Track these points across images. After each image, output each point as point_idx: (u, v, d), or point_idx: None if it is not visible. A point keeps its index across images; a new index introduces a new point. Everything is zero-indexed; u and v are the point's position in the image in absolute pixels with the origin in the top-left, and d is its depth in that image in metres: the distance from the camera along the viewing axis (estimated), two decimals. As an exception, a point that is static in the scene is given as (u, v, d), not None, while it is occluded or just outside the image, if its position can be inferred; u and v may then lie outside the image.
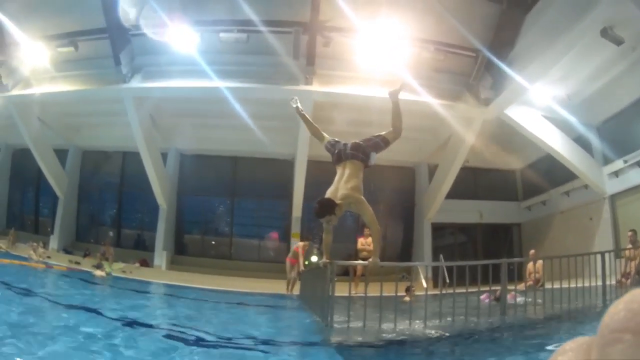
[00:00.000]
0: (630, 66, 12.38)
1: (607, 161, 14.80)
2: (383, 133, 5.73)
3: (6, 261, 13.92)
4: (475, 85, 14.49)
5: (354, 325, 6.18)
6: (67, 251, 18.57)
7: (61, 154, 19.37)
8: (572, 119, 14.56)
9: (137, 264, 17.38)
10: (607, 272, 7.94)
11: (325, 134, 5.91)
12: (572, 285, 7.44)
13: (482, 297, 7.67)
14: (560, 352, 0.52)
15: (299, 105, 6.09)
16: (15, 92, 16.03)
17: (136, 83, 14.84)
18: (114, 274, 14.67)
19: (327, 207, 5.07)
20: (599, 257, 8.00)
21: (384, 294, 6.39)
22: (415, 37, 13.66)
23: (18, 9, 14.22)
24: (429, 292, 9.99)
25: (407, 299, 9.01)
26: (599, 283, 7.81)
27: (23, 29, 14.57)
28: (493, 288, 7.30)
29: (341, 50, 13.89)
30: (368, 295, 6.64)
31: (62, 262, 16.01)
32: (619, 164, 14.17)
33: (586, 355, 0.49)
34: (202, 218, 20.36)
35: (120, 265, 16.41)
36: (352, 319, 6.26)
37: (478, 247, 19.43)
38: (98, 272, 13.85)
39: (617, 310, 0.46)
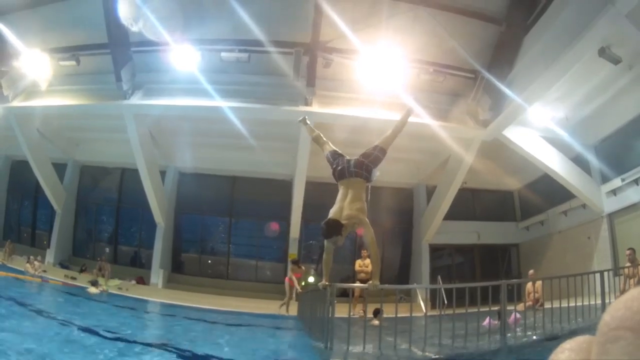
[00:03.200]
0: (627, 85, 12.49)
1: (605, 180, 14.83)
2: (379, 143, 5.76)
3: (2, 274, 13.87)
4: (474, 107, 14.58)
5: (355, 349, 6.13)
6: (63, 266, 18.48)
7: (60, 168, 19.33)
8: (570, 139, 14.64)
9: (134, 281, 17.29)
10: (607, 290, 7.94)
11: (328, 144, 5.96)
12: (572, 304, 7.43)
13: (484, 323, 7.62)
14: (559, 351, 0.52)
15: (309, 123, 6.43)
16: (16, 103, 16.06)
17: (137, 100, 14.88)
18: (110, 290, 14.57)
19: (334, 227, 5.08)
20: (598, 276, 8.01)
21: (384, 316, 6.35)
22: (415, 59, 13.79)
23: (21, 20, 14.38)
24: (428, 314, 9.89)
25: (375, 322, 8.92)
26: (599, 301, 7.81)
27: (26, 40, 14.69)
28: (493, 309, 7.26)
29: (341, 71, 14.05)
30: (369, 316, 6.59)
31: (58, 276, 15.96)
32: (616, 182, 14.21)
33: (586, 353, 0.50)
34: (199, 237, 20.27)
35: (117, 282, 16.34)
36: (352, 341, 6.21)
37: (476, 268, 19.37)
38: (92, 289, 13.73)
39: (617, 308, 0.47)
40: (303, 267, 13.76)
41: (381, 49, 13.19)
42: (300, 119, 6.62)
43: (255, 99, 14.36)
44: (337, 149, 5.82)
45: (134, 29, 12.73)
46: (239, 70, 14.48)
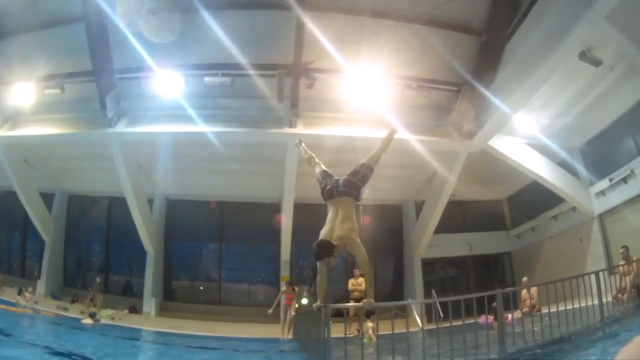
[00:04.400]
0: (610, 86, 12.66)
1: (593, 181, 15.01)
2: (365, 161, 5.81)
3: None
4: (459, 119, 14.69)
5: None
6: (54, 296, 18.21)
7: (48, 198, 19.16)
8: (556, 144, 14.79)
9: (126, 311, 17.07)
10: (603, 290, 7.96)
11: (320, 165, 6.02)
12: (569, 307, 7.42)
13: (480, 320, 7.61)
14: (623, 352, 0.52)
15: (303, 145, 6.62)
16: (1, 132, 15.84)
17: (122, 127, 14.79)
18: (102, 320, 14.36)
19: (326, 248, 5.05)
20: (593, 277, 8.03)
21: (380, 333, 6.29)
22: (398, 75, 13.88)
23: (5, 48, 14.35)
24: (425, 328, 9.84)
25: (369, 324, 8.84)
26: (596, 302, 7.81)
27: (10, 69, 14.68)
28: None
29: (325, 91, 14.09)
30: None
31: (50, 307, 15.76)
32: (605, 183, 14.39)
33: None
34: (190, 263, 20.13)
35: (109, 311, 16.15)
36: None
37: (470, 279, 19.39)
38: (87, 320, 13.52)
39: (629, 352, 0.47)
40: (297, 288, 13.64)
41: (364, 66, 13.27)
42: (297, 141, 6.82)
43: (240, 122, 14.35)
44: (327, 170, 5.87)
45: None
46: (222, 95, 14.43)
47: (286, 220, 16.55)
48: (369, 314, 9.99)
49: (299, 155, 6.44)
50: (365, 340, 9.47)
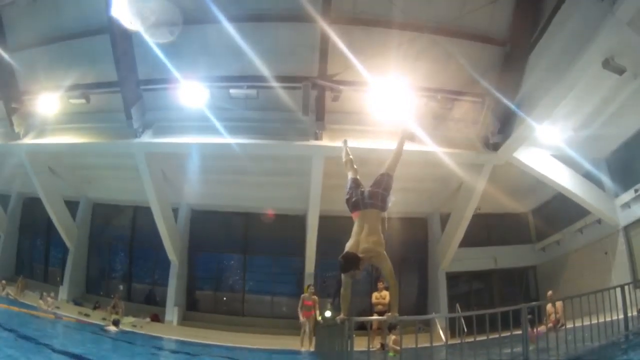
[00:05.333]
0: (633, 94, 12.34)
1: (618, 193, 14.70)
2: (384, 170, 5.89)
3: (16, 309, 13.84)
4: (484, 131, 14.57)
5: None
6: (76, 303, 18.46)
7: (72, 205, 19.47)
8: (580, 154, 14.53)
9: (148, 319, 17.20)
10: (628, 304, 7.83)
11: (354, 171, 6.19)
12: (594, 321, 7.29)
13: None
14: None
15: (348, 146, 6.82)
16: (27, 140, 16.17)
17: (147, 138, 14.96)
18: (124, 328, 14.49)
19: (352, 261, 5.08)
20: (618, 290, 7.87)
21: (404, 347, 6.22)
22: (422, 87, 13.81)
23: (32, 58, 14.71)
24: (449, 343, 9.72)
25: (392, 337, 8.79)
26: (621, 316, 7.70)
27: (36, 78, 15.02)
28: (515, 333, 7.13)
29: (350, 104, 14.09)
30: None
31: (71, 313, 15.96)
32: (630, 194, 14.07)
33: None
34: (214, 274, 20.17)
35: (131, 319, 16.30)
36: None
37: (494, 293, 19.10)
38: (112, 327, 13.60)
39: None
40: (315, 297, 13.55)
41: (388, 78, 13.24)
42: (343, 141, 7.04)
43: (265, 134, 14.42)
44: (359, 179, 5.94)
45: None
46: (248, 107, 14.57)
47: (311, 233, 16.54)
48: (391, 327, 9.93)
49: (342, 159, 6.54)
50: (390, 354, 9.39)
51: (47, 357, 7.00)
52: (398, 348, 9.26)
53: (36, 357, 6.68)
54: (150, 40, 12.81)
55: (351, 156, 6.45)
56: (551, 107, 12.35)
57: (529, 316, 7.78)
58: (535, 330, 7.73)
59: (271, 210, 18.34)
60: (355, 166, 6.26)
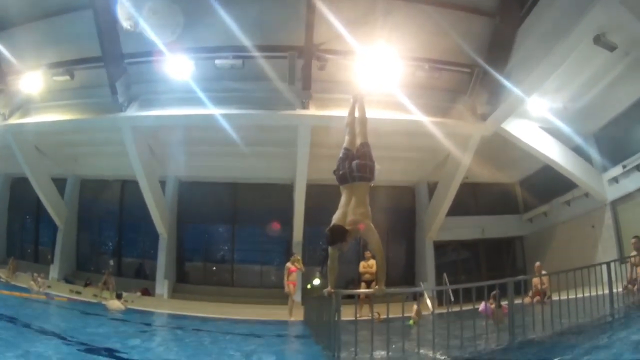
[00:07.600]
0: (624, 71, 12.44)
1: (606, 167, 14.85)
2: (360, 140, 5.72)
3: (7, 292, 13.77)
4: (472, 101, 14.53)
5: (362, 357, 6.02)
6: (67, 280, 18.49)
7: (60, 183, 19.36)
8: (569, 129, 14.65)
9: (139, 293, 17.24)
10: (614, 280, 7.87)
11: (352, 135, 5.85)
12: (579, 295, 7.35)
13: (480, 309, 7.58)
14: None
15: (355, 104, 6.24)
16: (12, 120, 16.03)
17: (133, 112, 14.82)
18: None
19: (339, 234, 5.05)
20: (604, 267, 7.95)
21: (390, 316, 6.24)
22: (410, 56, 13.70)
23: (14, 37, 14.36)
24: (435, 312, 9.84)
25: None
26: (606, 291, 7.74)
27: (19, 57, 14.64)
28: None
29: (337, 72, 13.91)
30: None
31: (63, 292, 15.89)
32: (618, 169, 14.23)
33: None
34: (203, 246, 20.20)
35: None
36: (360, 347, 6.10)
37: (481, 262, 19.36)
38: (115, 305, 13.32)
39: None
40: (298, 265, 13.60)
41: (376, 48, 13.11)
42: (352, 96, 6.42)
43: (251, 105, 14.30)
44: (350, 147, 5.71)
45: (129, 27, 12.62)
46: (233, 77, 14.33)
47: (299, 202, 16.58)
48: (414, 297, 9.90)
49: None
50: (410, 322, 9.46)
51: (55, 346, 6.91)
52: (417, 318, 9.47)
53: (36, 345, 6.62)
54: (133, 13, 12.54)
55: (354, 118, 6.06)
56: (540, 79, 12.38)
57: (494, 292, 7.91)
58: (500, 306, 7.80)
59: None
60: (357, 130, 5.90)
